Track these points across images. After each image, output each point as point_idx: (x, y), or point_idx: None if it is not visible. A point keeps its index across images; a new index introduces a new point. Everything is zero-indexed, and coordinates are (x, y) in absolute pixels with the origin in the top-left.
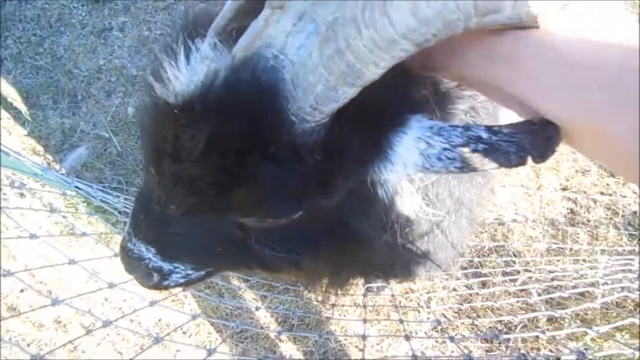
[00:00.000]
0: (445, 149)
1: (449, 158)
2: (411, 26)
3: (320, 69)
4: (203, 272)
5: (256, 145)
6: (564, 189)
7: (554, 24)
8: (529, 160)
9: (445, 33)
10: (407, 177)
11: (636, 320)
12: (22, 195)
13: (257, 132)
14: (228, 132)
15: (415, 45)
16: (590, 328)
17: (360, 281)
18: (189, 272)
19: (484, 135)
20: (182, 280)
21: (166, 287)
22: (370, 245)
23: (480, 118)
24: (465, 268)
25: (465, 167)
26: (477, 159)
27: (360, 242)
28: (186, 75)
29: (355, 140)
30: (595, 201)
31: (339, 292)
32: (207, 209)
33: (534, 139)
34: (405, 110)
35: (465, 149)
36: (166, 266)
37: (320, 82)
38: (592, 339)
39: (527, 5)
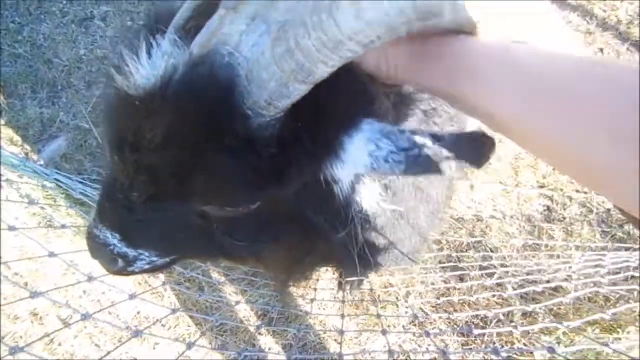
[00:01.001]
0: (392, 151)
1: (395, 161)
2: (356, 28)
3: (272, 67)
4: (168, 259)
5: (212, 138)
6: (541, 187)
7: (494, 30)
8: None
9: (389, 35)
10: (358, 175)
11: (605, 316)
12: None
13: (213, 125)
14: (185, 124)
15: (361, 46)
16: (561, 323)
17: (338, 275)
18: (154, 258)
19: (428, 142)
20: (147, 267)
21: (131, 273)
22: (327, 239)
23: (439, 117)
24: (443, 263)
25: (409, 170)
26: (420, 163)
27: (317, 235)
28: (147, 69)
29: (308, 136)
30: (570, 199)
31: (304, 281)
32: (168, 196)
33: (473, 148)
34: (359, 113)
35: (410, 153)
36: (131, 252)
37: (272, 78)
38: (564, 333)
39: (465, 11)
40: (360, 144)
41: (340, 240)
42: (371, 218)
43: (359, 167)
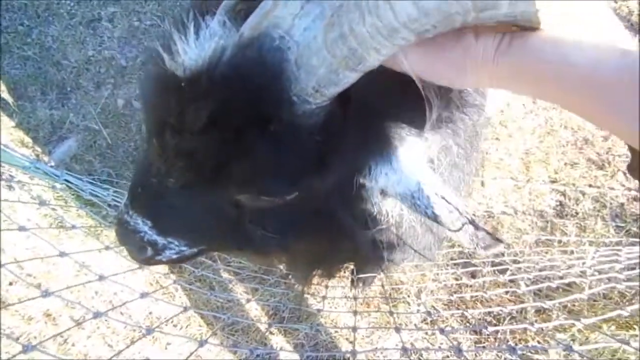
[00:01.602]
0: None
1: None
2: (412, 16)
3: (323, 52)
4: (196, 250)
5: (257, 122)
6: (552, 182)
7: (551, 24)
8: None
9: (444, 25)
10: (388, 194)
11: (623, 312)
12: (10, 187)
13: (259, 110)
14: (231, 107)
15: (415, 35)
16: (579, 320)
17: (350, 273)
18: (183, 248)
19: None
20: (175, 256)
21: (158, 262)
22: (353, 237)
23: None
24: (455, 259)
25: (435, 218)
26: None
27: (345, 233)
28: (195, 50)
29: (358, 128)
30: (583, 193)
31: (329, 278)
32: (205, 183)
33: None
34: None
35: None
36: (161, 240)
37: (323, 64)
38: (579, 331)
39: (523, 5)
40: (417, 168)
41: (366, 238)
42: (396, 221)
43: (400, 187)
